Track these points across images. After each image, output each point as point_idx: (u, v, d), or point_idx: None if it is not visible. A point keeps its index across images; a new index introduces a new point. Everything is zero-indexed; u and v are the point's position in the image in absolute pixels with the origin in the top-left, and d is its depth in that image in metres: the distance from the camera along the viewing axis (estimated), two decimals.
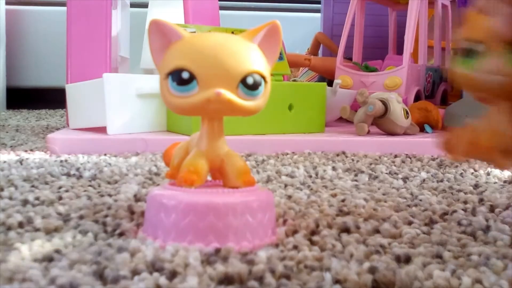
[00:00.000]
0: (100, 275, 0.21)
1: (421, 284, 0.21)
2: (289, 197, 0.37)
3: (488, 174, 0.48)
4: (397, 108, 0.67)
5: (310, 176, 0.46)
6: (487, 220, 0.31)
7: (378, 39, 1.09)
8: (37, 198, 0.34)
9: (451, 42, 0.85)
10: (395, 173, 0.48)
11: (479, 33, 0.27)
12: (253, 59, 0.26)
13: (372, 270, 0.21)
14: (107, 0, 0.77)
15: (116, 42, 0.84)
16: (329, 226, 0.29)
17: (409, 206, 0.35)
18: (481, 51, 0.26)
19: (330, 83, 0.82)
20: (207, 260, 0.22)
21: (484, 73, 0.26)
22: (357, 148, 0.63)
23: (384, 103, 0.69)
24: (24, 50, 1.63)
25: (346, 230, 0.28)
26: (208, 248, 0.24)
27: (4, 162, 0.49)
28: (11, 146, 0.63)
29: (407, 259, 0.23)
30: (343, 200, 0.36)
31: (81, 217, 0.30)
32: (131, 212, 0.31)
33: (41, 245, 0.24)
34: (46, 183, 0.40)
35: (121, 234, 0.27)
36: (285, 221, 0.29)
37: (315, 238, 0.26)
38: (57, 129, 0.87)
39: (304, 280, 0.21)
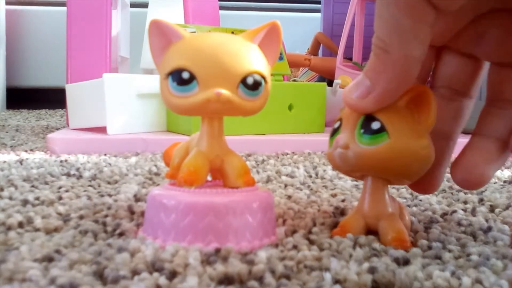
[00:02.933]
0: (100, 275, 0.21)
1: (421, 284, 0.21)
2: (289, 197, 0.37)
3: None
4: None
5: (310, 176, 0.46)
6: (487, 220, 0.31)
7: None
8: (37, 198, 0.34)
9: None
10: None
11: (342, 111, 0.27)
12: (253, 59, 0.26)
13: (372, 270, 0.21)
14: (107, 0, 0.77)
15: (116, 42, 0.84)
16: (324, 224, 0.29)
17: (409, 206, 0.35)
18: (338, 127, 0.27)
19: (330, 83, 0.82)
20: (207, 260, 0.22)
21: (331, 148, 0.27)
22: None
23: None
24: (24, 50, 1.63)
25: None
26: (208, 248, 0.24)
27: (4, 162, 0.49)
28: (11, 146, 0.63)
29: (407, 260, 0.23)
30: (343, 200, 0.36)
31: (81, 217, 0.30)
32: (131, 212, 0.31)
33: (41, 245, 0.24)
34: (46, 183, 0.40)
35: (121, 234, 0.27)
36: (284, 221, 0.30)
37: (313, 237, 0.26)
38: (57, 129, 0.87)
39: (304, 280, 0.21)
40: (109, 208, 0.32)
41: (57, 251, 0.23)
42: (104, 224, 0.28)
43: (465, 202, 0.36)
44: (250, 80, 0.25)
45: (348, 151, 0.25)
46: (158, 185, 0.40)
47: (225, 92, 0.24)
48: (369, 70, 0.24)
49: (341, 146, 0.25)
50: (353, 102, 0.25)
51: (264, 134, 0.66)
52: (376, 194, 0.27)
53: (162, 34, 0.26)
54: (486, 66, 0.27)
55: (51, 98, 1.46)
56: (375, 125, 0.25)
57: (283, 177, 0.45)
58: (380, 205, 0.27)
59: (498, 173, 0.48)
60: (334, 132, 0.27)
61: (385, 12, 0.23)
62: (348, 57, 1.03)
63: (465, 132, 0.29)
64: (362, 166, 0.26)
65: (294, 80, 1.13)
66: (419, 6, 0.22)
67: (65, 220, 0.29)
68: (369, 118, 0.25)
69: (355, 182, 0.43)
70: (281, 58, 0.77)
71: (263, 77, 0.26)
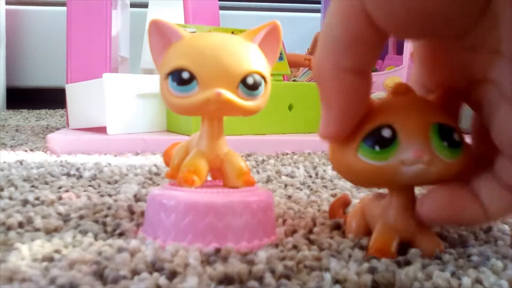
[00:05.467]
0: (100, 275, 0.21)
1: (421, 284, 0.21)
2: (289, 197, 0.37)
3: None
4: None
5: (310, 176, 0.46)
6: None
7: None
8: (37, 198, 0.34)
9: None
10: None
11: (391, 115, 0.23)
12: (253, 59, 0.26)
13: (372, 270, 0.21)
14: (107, 0, 0.77)
15: (116, 42, 0.84)
16: (324, 224, 0.29)
17: None
18: (391, 136, 0.22)
19: None
20: (207, 260, 0.22)
21: (388, 161, 0.22)
22: None
23: None
24: (24, 50, 1.63)
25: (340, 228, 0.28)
26: (208, 248, 0.24)
27: (4, 162, 0.49)
28: (11, 146, 0.63)
29: (407, 260, 0.23)
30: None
31: (81, 217, 0.30)
32: (131, 212, 0.31)
33: (41, 245, 0.24)
34: (46, 183, 0.40)
35: (121, 234, 0.27)
36: (284, 221, 0.30)
37: (313, 237, 0.26)
38: (57, 129, 0.87)
39: (304, 280, 0.21)
40: (109, 208, 0.32)
41: (57, 251, 0.23)
42: (104, 224, 0.28)
43: None
44: (250, 80, 0.25)
45: (431, 167, 0.22)
46: (158, 185, 0.40)
47: (225, 92, 0.24)
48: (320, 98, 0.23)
49: (426, 162, 0.22)
50: (322, 134, 0.23)
51: (264, 134, 0.66)
52: (408, 206, 0.24)
53: (162, 34, 0.26)
54: None
55: (51, 98, 1.46)
56: (457, 137, 0.22)
57: (283, 177, 0.45)
58: (413, 218, 0.24)
59: None
60: (387, 143, 0.22)
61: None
62: None
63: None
64: (435, 181, 0.23)
65: (294, 80, 1.13)
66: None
67: (65, 220, 0.29)
68: (444, 128, 0.22)
69: None
70: (281, 58, 0.77)
71: (263, 77, 0.26)
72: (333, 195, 0.38)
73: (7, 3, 1.56)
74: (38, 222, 0.28)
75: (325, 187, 0.41)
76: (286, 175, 0.46)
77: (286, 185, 0.41)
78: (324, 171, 0.48)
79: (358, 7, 0.20)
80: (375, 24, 0.20)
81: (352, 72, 0.21)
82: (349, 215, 0.28)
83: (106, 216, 0.30)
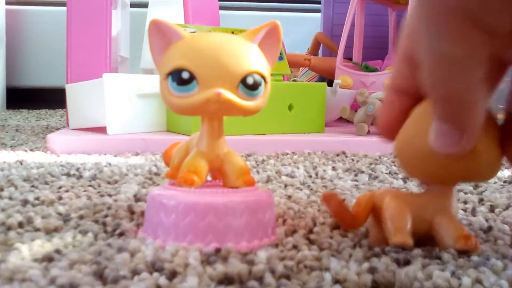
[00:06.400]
0: (100, 275, 0.21)
1: (421, 284, 0.21)
2: (289, 197, 0.37)
3: None
4: None
5: (310, 176, 0.46)
6: (487, 220, 0.31)
7: (378, 39, 1.09)
8: (37, 198, 0.34)
9: None
10: (395, 173, 0.48)
11: None
12: (253, 59, 0.26)
13: (372, 270, 0.21)
14: (107, 0, 0.77)
15: (116, 42, 0.84)
16: (324, 224, 0.29)
17: None
18: None
19: (330, 83, 0.82)
20: (207, 260, 0.22)
21: None
22: (357, 148, 0.63)
23: None
24: (24, 50, 1.63)
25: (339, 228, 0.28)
26: (208, 248, 0.24)
27: (4, 162, 0.49)
28: (11, 146, 0.63)
29: (407, 260, 0.23)
30: (343, 200, 0.36)
31: (81, 217, 0.30)
32: (131, 212, 0.31)
33: (41, 245, 0.24)
34: (46, 183, 0.40)
35: (121, 234, 0.27)
36: (284, 221, 0.30)
37: (313, 237, 0.26)
38: (57, 129, 0.87)
39: (304, 280, 0.21)
40: (109, 208, 0.32)
41: (57, 251, 0.23)
42: (104, 224, 0.28)
43: (465, 202, 0.36)
44: (250, 80, 0.25)
45: None
46: (158, 185, 0.40)
47: (225, 92, 0.24)
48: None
49: None
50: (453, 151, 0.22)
51: (264, 134, 0.66)
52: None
53: (162, 34, 0.26)
54: None
55: (51, 98, 1.46)
56: None
57: (283, 177, 0.45)
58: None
59: (498, 173, 0.48)
60: None
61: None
62: (348, 57, 1.03)
63: None
64: None
65: (294, 80, 1.13)
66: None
67: (65, 220, 0.29)
68: None
69: (355, 182, 0.43)
70: (281, 58, 0.77)
71: (263, 77, 0.26)
72: None
73: (7, 3, 1.56)
74: (38, 222, 0.28)
75: (325, 187, 0.41)
76: (286, 175, 0.46)
77: (286, 185, 0.41)
78: (324, 171, 0.48)
79: (460, 15, 0.18)
80: (481, 25, 0.18)
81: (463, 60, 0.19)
82: (385, 216, 0.25)
83: (106, 216, 0.30)
